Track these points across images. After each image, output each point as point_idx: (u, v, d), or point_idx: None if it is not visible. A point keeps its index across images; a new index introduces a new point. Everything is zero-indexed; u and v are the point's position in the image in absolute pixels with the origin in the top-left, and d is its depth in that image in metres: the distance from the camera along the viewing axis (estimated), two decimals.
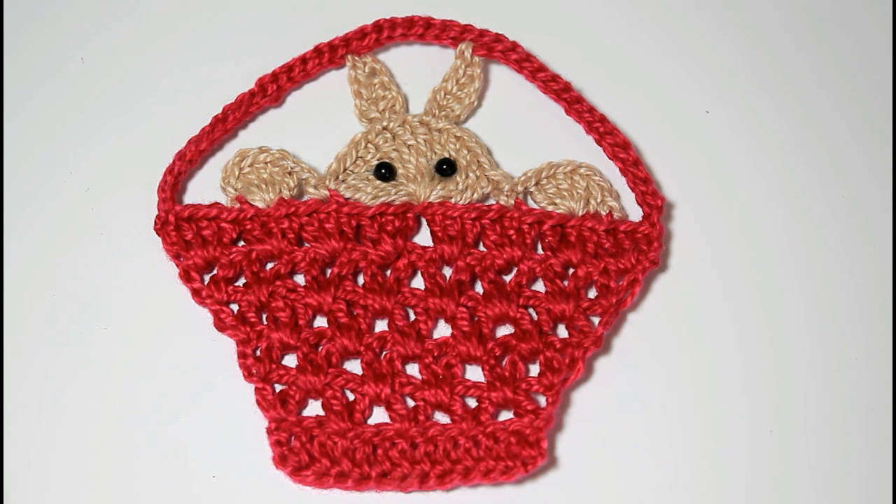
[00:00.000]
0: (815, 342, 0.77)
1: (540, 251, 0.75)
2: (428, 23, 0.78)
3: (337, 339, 0.72)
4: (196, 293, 0.73)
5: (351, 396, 0.73)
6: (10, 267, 0.75)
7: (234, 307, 0.73)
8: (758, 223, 0.79)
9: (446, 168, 0.76)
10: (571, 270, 0.75)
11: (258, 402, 0.71)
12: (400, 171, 0.76)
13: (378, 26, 0.78)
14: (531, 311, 0.74)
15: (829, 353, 0.77)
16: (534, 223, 0.74)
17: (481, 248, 0.75)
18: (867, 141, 0.82)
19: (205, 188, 0.77)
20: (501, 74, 0.81)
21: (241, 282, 0.74)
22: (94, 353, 0.73)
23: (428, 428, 0.71)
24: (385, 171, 0.75)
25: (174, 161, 0.75)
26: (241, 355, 0.72)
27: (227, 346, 0.73)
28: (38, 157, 0.77)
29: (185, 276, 0.73)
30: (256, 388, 0.71)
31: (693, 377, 0.76)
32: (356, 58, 0.78)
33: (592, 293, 0.75)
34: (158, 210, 0.74)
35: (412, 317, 0.74)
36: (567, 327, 0.73)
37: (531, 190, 0.76)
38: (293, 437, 0.71)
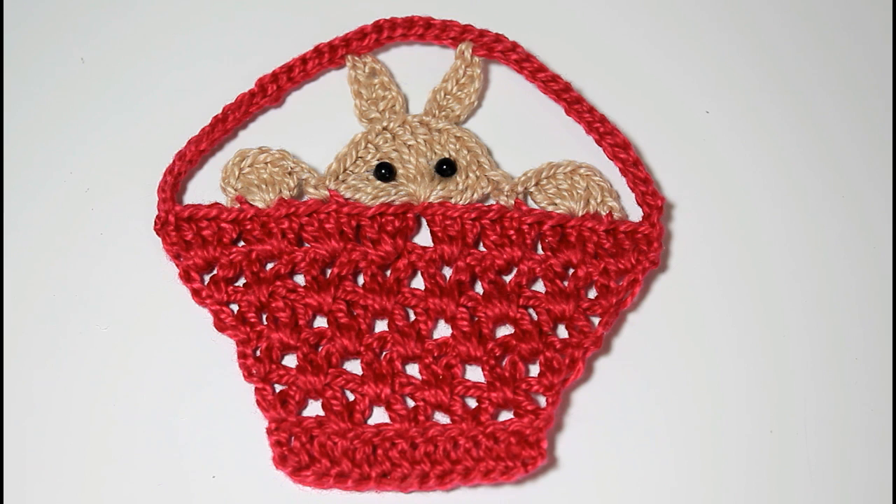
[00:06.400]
0: (815, 342, 0.77)
1: (540, 251, 0.75)
2: (428, 23, 0.78)
3: (337, 339, 0.72)
4: (196, 293, 0.73)
5: (351, 397, 0.73)
6: (10, 267, 0.75)
7: (234, 307, 0.73)
8: (758, 223, 0.79)
9: (446, 168, 0.76)
10: (571, 271, 0.75)
11: (258, 403, 0.71)
12: (400, 171, 0.76)
13: (378, 26, 0.78)
14: (531, 311, 0.74)
15: (829, 353, 0.77)
16: (534, 223, 0.74)
17: (481, 248, 0.75)
18: (867, 141, 0.82)
19: (205, 188, 0.77)
20: (501, 74, 0.81)
21: (241, 282, 0.74)
22: (93, 353, 0.73)
23: (428, 428, 0.71)
24: (385, 172, 0.75)
25: (174, 161, 0.75)
26: (241, 355, 0.72)
27: (227, 346, 0.73)
28: (38, 157, 0.78)
29: (185, 276, 0.73)
30: (256, 388, 0.71)
31: (693, 377, 0.76)
32: (356, 58, 0.78)
33: (592, 293, 0.75)
34: (158, 210, 0.74)
35: (412, 317, 0.74)
36: (567, 327, 0.73)
37: (531, 190, 0.76)
38: (293, 438, 0.71)
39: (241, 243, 0.74)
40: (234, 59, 0.80)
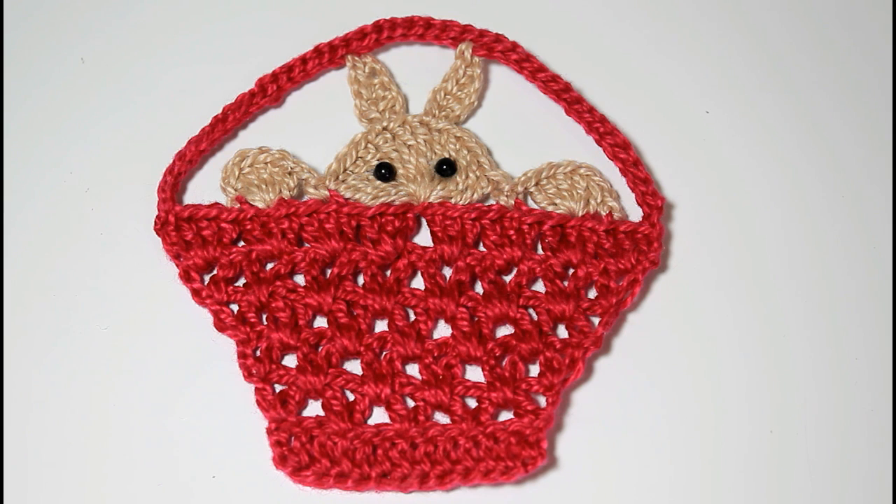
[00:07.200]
0: (815, 342, 0.77)
1: (540, 251, 0.75)
2: (428, 23, 0.78)
3: (337, 339, 0.72)
4: (196, 293, 0.73)
5: (351, 397, 0.73)
6: (10, 267, 0.75)
7: (234, 307, 0.73)
8: (758, 223, 0.79)
9: (446, 168, 0.76)
10: (571, 271, 0.75)
11: (258, 402, 0.71)
12: (400, 171, 0.76)
13: (378, 26, 0.78)
14: (531, 311, 0.74)
15: (829, 353, 0.77)
16: (534, 223, 0.74)
17: (481, 248, 0.75)
18: (867, 141, 0.82)
19: (205, 188, 0.77)
20: (501, 74, 0.81)
21: (241, 282, 0.74)
22: (93, 353, 0.73)
23: (428, 428, 0.71)
24: (385, 172, 0.75)
25: (174, 161, 0.75)
26: (241, 355, 0.72)
27: (227, 346, 0.73)
28: (38, 157, 0.77)
29: (185, 277, 0.73)
30: (256, 388, 0.71)
31: (693, 377, 0.76)
32: (356, 58, 0.78)
33: (592, 293, 0.75)
34: (158, 210, 0.74)
35: (412, 317, 0.74)
36: (567, 327, 0.73)
37: (531, 190, 0.76)
38: (293, 438, 0.71)
39: (241, 243, 0.74)
40: (234, 59, 0.80)
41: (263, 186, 0.75)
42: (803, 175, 0.81)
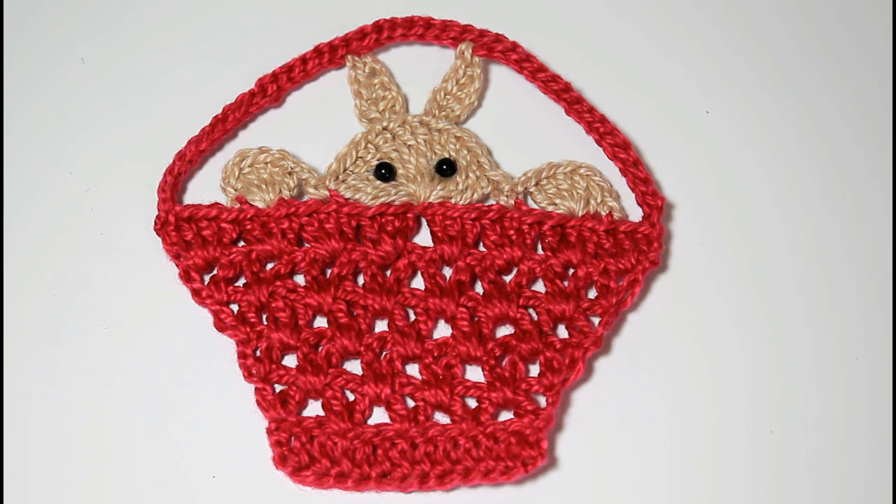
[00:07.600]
0: (815, 342, 0.77)
1: (540, 251, 0.75)
2: (428, 23, 0.78)
3: (337, 339, 0.72)
4: (196, 293, 0.73)
5: (351, 397, 0.73)
6: (10, 267, 0.75)
7: (234, 307, 0.73)
8: (758, 223, 0.79)
9: (446, 168, 0.76)
10: (571, 271, 0.75)
11: (258, 402, 0.71)
12: (400, 171, 0.76)
13: (378, 26, 0.78)
14: (531, 311, 0.74)
15: (829, 353, 0.77)
16: (534, 223, 0.74)
17: (481, 248, 0.75)
18: (867, 141, 0.82)
19: (205, 188, 0.77)
20: (501, 74, 0.81)
21: (241, 282, 0.74)
22: (93, 353, 0.73)
23: (428, 428, 0.71)
24: (385, 172, 0.75)
25: (174, 161, 0.75)
26: (241, 355, 0.72)
27: (227, 346, 0.73)
28: (38, 157, 0.77)
29: (185, 277, 0.73)
30: (256, 388, 0.71)
31: (693, 377, 0.76)
32: (356, 58, 0.78)
33: (592, 293, 0.75)
34: (158, 210, 0.74)
35: (412, 317, 0.74)
36: (567, 327, 0.73)
37: (531, 190, 0.76)
38: (293, 438, 0.71)
39: (241, 243, 0.74)
40: (234, 59, 0.80)
41: (263, 186, 0.75)
42: (803, 175, 0.81)
